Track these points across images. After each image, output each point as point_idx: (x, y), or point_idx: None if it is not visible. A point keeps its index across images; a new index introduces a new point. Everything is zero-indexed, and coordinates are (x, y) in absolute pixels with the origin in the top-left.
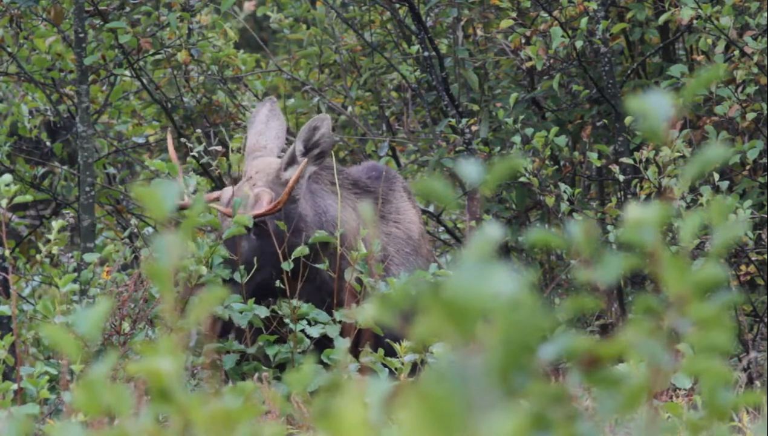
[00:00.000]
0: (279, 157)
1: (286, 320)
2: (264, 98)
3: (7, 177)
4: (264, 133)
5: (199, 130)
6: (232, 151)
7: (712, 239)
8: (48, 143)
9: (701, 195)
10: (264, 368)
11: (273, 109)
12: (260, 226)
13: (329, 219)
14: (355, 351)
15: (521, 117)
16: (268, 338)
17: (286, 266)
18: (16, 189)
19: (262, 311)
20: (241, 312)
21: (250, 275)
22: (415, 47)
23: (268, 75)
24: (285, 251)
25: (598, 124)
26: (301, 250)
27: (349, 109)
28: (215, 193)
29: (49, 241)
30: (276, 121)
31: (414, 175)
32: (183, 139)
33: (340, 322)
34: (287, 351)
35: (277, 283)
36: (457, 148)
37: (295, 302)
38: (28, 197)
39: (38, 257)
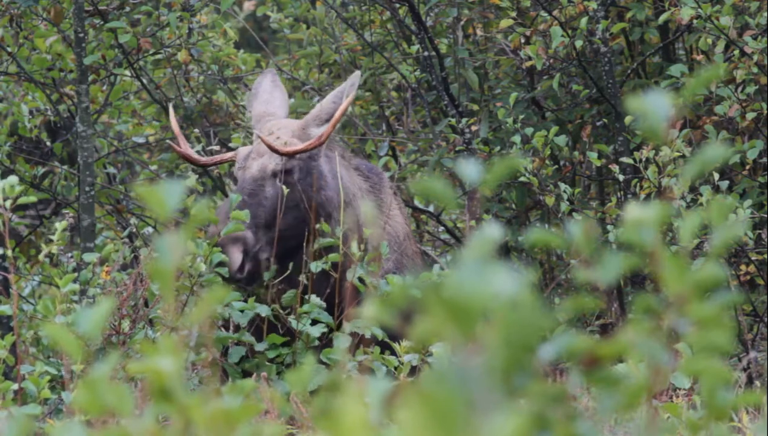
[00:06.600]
0: None
1: (290, 320)
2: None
3: (13, 178)
4: (270, 102)
5: (197, 130)
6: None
7: (712, 238)
8: (48, 143)
9: (701, 195)
10: (266, 363)
11: (275, 80)
12: (287, 174)
13: (345, 185)
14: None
15: (521, 117)
16: (277, 339)
17: (314, 267)
18: (20, 190)
19: (264, 310)
20: (242, 311)
21: (262, 221)
22: (415, 47)
23: None
24: (303, 205)
25: (598, 124)
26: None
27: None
28: (229, 154)
29: (50, 241)
30: (279, 92)
31: (414, 175)
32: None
33: (341, 313)
34: (291, 352)
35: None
36: (457, 148)
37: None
38: (32, 198)
39: (39, 257)
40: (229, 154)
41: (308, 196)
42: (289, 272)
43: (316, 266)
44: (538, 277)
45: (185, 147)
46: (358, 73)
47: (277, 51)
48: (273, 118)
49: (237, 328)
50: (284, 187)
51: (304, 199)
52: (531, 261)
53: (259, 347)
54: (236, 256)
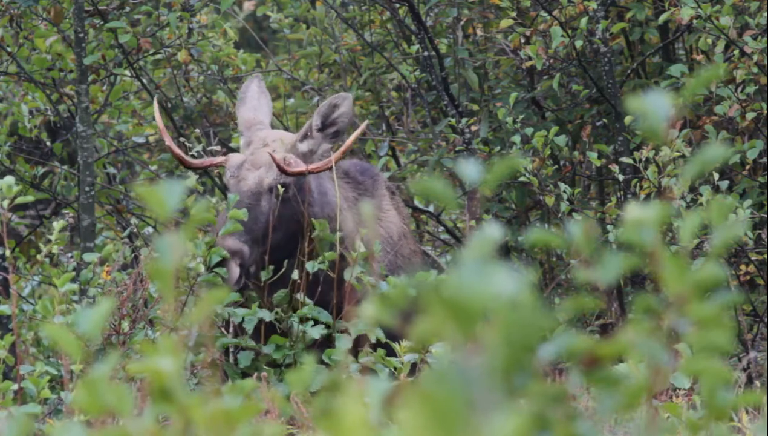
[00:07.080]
0: None
1: (291, 321)
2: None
3: (10, 179)
4: (258, 108)
5: (197, 130)
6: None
7: (712, 238)
8: (48, 143)
9: (701, 195)
10: (265, 367)
11: (261, 86)
12: (283, 189)
13: (329, 200)
14: (355, 350)
15: (521, 117)
16: (279, 339)
17: (311, 266)
18: (17, 190)
19: (267, 315)
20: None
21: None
22: (415, 47)
23: (268, 75)
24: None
25: (598, 124)
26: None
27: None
28: (219, 158)
29: (49, 241)
30: (265, 98)
31: (414, 175)
32: (182, 139)
33: (339, 314)
34: (291, 352)
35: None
36: (457, 148)
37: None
38: (29, 198)
39: (38, 256)
40: (220, 159)
41: (300, 211)
42: (283, 270)
43: (312, 266)
44: (538, 277)
45: (169, 142)
46: (346, 96)
47: (277, 51)
48: (262, 126)
49: (237, 329)
50: (279, 194)
51: (297, 213)
52: (531, 261)
53: (266, 349)
54: (234, 270)
